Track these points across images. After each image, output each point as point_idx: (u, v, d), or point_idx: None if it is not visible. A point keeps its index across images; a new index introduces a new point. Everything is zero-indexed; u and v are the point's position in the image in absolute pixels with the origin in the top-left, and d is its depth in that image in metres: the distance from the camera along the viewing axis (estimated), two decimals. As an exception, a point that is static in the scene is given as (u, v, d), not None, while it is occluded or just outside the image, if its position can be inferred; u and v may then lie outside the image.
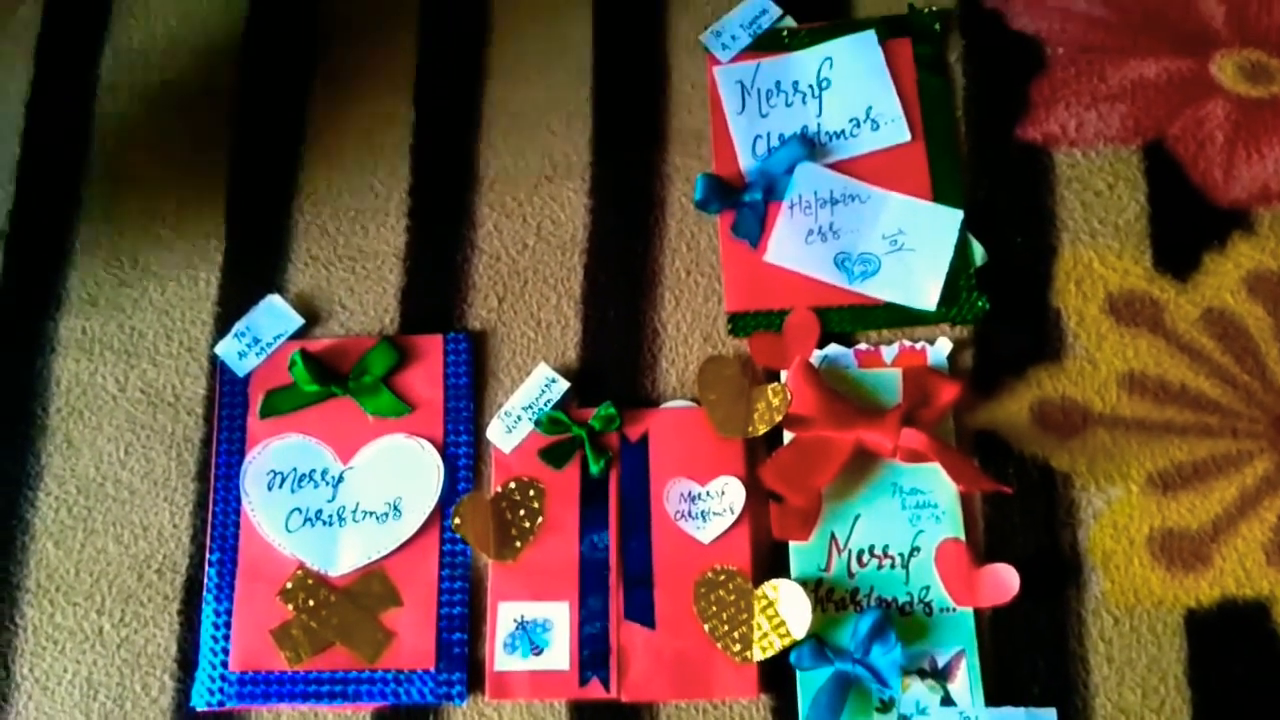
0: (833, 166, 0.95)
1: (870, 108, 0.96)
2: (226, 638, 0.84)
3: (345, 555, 0.86)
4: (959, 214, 0.92)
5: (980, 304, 0.90)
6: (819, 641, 0.82)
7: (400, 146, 0.97)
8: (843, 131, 0.96)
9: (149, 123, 0.98)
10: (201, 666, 0.84)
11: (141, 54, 1.00)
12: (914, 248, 0.92)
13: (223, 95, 0.99)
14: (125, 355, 0.92)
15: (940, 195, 0.93)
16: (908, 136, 0.95)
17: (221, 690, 0.83)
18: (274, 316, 0.92)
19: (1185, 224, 0.92)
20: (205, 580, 0.86)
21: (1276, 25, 0.97)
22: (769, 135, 0.96)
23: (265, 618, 0.84)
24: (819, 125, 0.96)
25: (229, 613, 0.85)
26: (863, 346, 0.90)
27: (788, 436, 0.87)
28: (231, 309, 0.92)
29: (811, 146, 0.95)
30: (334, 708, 0.83)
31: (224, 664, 0.84)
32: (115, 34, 1.02)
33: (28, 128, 0.98)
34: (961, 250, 0.91)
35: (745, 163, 0.96)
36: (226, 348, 0.91)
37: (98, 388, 0.91)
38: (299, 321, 0.92)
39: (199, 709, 0.83)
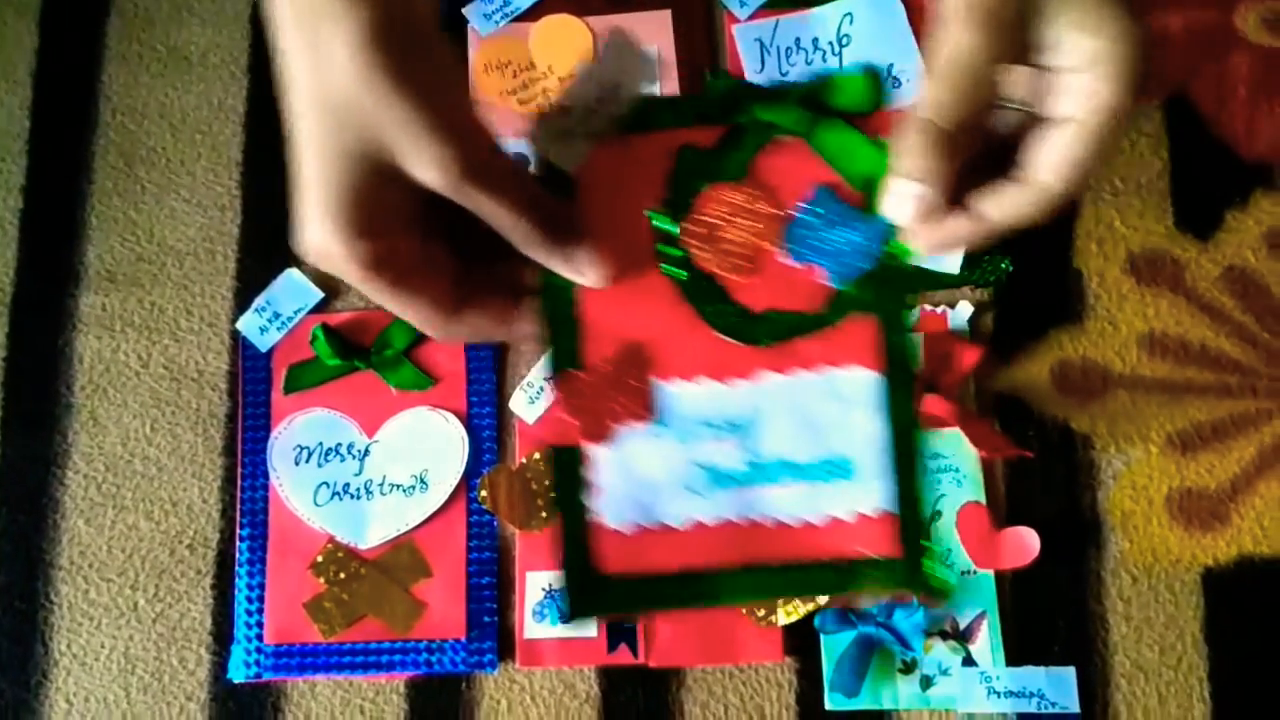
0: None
1: (892, 65, 0.94)
2: (260, 611, 0.85)
3: (374, 528, 0.87)
4: (980, 174, 0.91)
5: (1004, 265, 0.89)
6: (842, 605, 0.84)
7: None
8: (863, 90, 0.94)
9: (160, 93, 0.96)
10: (237, 640, 0.85)
11: (147, 21, 0.97)
12: (935, 210, 0.91)
13: (236, 66, 0.97)
14: (146, 331, 0.91)
15: (961, 155, 0.92)
16: (928, 95, 0.94)
17: (258, 663, 0.85)
18: (293, 290, 0.91)
19: (1207, 181, 0.92)
20: (237, 555, 0.87)
21: (1302, -28, 0.95)
22: (788, 96, 0.95)
23: (297, 591, 0.86)
24: (839, 84, 0.95)
25: (262, 586, 0.86)
26: (884, 311, 0.90)
27: (810, 403, 0.87)
28: (250, 283, 0.92)
29: (831, 106, 0.94)
30: (369, 678, 0.85)
31: (259, 637, 0.85)
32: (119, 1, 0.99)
33: (35, 100, 0.96)
34: (982, 211, 0.91)
35: (764, 125, 0.94)
36: (247, 323, 0.90)
37: (120, 364, 0.91)
38: (319, 295, 0.91)
39: (237, 681, 0.85)
